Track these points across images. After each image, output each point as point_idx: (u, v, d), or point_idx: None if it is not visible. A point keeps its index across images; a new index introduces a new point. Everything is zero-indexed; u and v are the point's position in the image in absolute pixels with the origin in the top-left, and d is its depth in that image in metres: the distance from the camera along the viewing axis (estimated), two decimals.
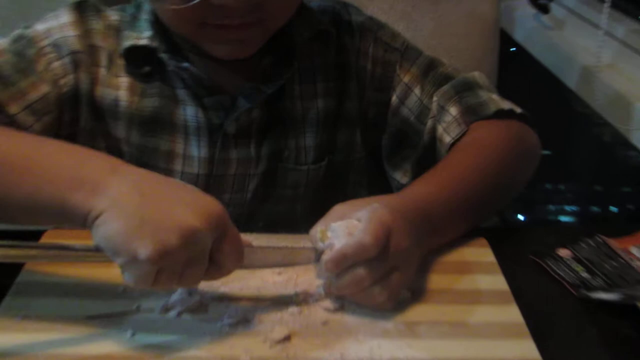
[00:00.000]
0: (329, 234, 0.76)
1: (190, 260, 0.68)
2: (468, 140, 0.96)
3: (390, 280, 0.75)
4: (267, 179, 1.01)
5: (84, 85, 0.95)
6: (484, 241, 0.89)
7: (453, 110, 0.99)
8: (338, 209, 0.79)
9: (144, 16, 0.96)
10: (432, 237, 0.83)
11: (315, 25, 1.02)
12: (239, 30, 0.89)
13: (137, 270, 0.67)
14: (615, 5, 1.50)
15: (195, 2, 0.83)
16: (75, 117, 0.96)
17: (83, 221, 0.68)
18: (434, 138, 1.01)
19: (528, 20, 1.76)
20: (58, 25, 0.95)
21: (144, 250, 0.65)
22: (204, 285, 0.78)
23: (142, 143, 0.97)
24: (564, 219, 2.01)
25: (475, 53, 1.40)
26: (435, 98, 1.01)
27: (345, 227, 0.75)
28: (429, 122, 1.01)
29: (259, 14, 0.88)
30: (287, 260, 0.79)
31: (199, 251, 0.69)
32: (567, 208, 2.04)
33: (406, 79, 1.04)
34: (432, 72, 1.04)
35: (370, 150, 1.08)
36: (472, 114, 0.98)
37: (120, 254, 0.66)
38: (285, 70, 0.98)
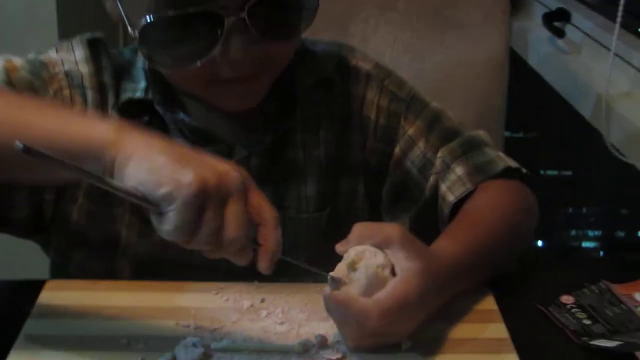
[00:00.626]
0: (360, 265, 0.77)
1: (229, 201, 0.70)
2: (483, 200, 0.97)
3: (369, 340, 0.77)
4: None
5: None
6: (486, 289, 0.90)
7: (459, 170, 1.00)
8: (394, 232, 0.79)
9: (140, 64, 0.97)
10: (451, 294, 0.84)
11: (319, 72, 1.02)
12: (250, 82, 0.89)
13: (181, 206, 0.67)
14: (630, 29, 1.48)
15: (203, 62, 0.84)
16: None
17: (111, 161, 0.70)
18: (435, 194, 1.02)
19: (542, 44, 1.74)
20: (72, 59, 0.97)
21: (188, 176, 0.68)
22: (208, 338, 0.79)
23: None
24: (586, 244, 2.00)
25: (484, 84, 1.40)
26: (440, 154, 1.02)
27: (374, 276, 0.76)
28: (432, 179, 1.02)
29: (267, 62, 0.89)
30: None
31: (235, 190, 0.70)
32: (590, 233, 2.03)
33: (411, 131, 1.04)
34: (437, 126, 1.04)
35: (372, 200, 1.08)
36: (480, 173, 0.99)
37: (164, 184, 0.68)
38: (286, 119, 0.99)
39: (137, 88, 0.95)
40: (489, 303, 0.88)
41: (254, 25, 0.83)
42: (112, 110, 0.96)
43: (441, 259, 0.82)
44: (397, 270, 0.77)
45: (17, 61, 0.94)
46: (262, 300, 0.87)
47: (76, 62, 0.97)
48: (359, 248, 0.78)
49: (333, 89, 1.04)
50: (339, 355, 0.78)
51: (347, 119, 1.05)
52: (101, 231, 0.97)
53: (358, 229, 0.80)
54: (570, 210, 2.05)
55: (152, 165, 0.69)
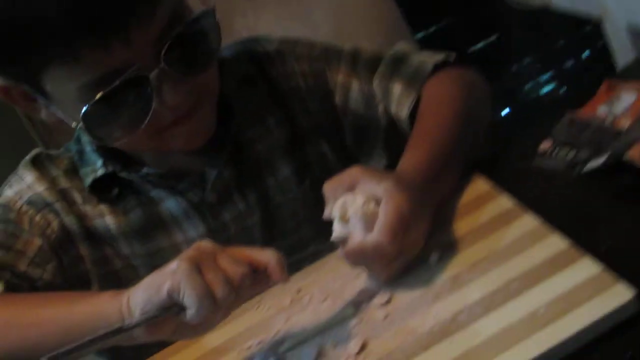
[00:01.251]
0: (349, 215, 0.82)
1: (216, 256, 0.76)
2: (426, 104, 1.02)
3: (395, 264, 0.83)
4: (267, 221, 1.08)
5: (73, 227, 1.02)
6: (471, 176, 0.95)
7: (396, 88, 1.05)
8: (354, 173, 0.85)
9: (88, 147, 1.03)
10: (436, 197, 0.90)
11: (238, 74, 1.07)
12: (197, 111, 0.93)
13: (186, 280, 0.73)
14: None
15: (147, 121, 0.88)
16: (76, 256, 1.03)
17: (119, 312, 0.77)
18: (391, 118, 1.07)
19: None
20: (25, 186, 1.03)
21: (173, 264, 0.75)
22: (273, 347, 0.84)
23: (147, 251, 1.05)
24: (544, 90, 2.06)
25: (382, 27, 1.45)
26: (375, 83, 1.07)
27: (364, 215, 0.81)
28: (379, 107, 1.08)
29: (202, 91, 0.93)
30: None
31: (214, 248, 0.77)
32: (541, 79, 2.09)
33: (340, 78, 1.09)
34: (360, 61, 1.09)
35: (343, 155, 1.13)
36: (415, 80, 1.04)
37: (162, 283, 0.74)
38: (229, 126, 1.03)
39: (96, 168, 1.01)
40: (482, 185, 0.93)
41: (175, 69, 0.88)
42: (82, 206, 1.03)
43: (408, 169, 0.88)
44: (382, 207, 0.81)
45: None
46: (298, 291, 0.92)
47: (30, 187, 1.02)
48: (339, 202, 0.84)
49: (256, 81, 1.09)
50: (386, 297, 0.83)
51: (282, 99, 1.10)
52: None
53: (326, 188, 0.86)
54: (514, 67, 2.11)
55: (144, 287, 0.77)
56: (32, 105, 0.93)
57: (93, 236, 1.04)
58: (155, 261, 1.03)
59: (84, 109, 0.86)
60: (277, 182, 1.08)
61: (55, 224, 1.02)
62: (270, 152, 1.08)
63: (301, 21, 1.45)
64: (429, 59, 1.07)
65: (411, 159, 0.91)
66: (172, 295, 0.74)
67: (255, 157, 1.07)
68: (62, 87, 0.87)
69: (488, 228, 0.85)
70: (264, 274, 0.78)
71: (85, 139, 1.03)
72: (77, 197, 1.03)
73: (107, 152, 1.01)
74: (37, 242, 1.00)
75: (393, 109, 1.06)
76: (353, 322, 0.82)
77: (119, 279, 1.05)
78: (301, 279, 0.93)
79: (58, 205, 1.02)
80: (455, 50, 1.10)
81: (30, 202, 1.02)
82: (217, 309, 0.75)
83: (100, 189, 1.02)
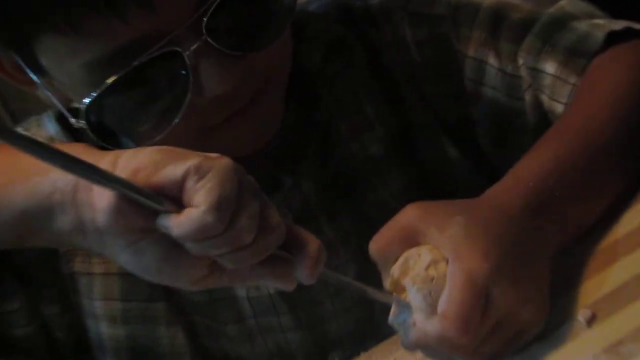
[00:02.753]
0: (407, 289, 0.58)
1: None
2: (580, 93, 0.73)
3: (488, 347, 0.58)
4: (367, 258, 0.76)
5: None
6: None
7: (550, 67, 0.76)
8: (410, 217, 0.60)
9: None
10: (562, 230, 0.63)
11: (326, 38, 0.81)
12: (247, 111, 0.69)
13: (220, 176, 0.49)
14: None
15: (176, 120, 0.64)
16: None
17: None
18: (544, 113, 0.78)
19: None
20: None
21: (211, 151, 0.51)
22: None
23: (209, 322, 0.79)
24: None
25: None
26: (520, 60, 0.78)
27: (425, 286, 0.57)
28: (528, 96, 0.78)
29: (262, 76, 0.69)
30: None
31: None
32: None
33: (471, 51, 0.79)
34: (503, 27, 0.79)
35: (474, 159, 0.84)
36: (577, 56, 0.75)
37: (188, 157, 0.49)
38: (314, 116, 0.78)
39: None
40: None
41: (222, 42, 0.63)
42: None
43: (502, 193, 0.62)
44: (448, 273, 0.57)
45: None
46: None
47: None
48: (398, 263, 0.59)
49: (352, 51, 0.82)
50: None
51: (388, 77, 0.82)
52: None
53: (373, 249, 0.62)
54: None
55: (158, 149, 0.51)
56: (31, 80, 0.69)
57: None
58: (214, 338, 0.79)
59: (88, 99, 0.63)
60: (381, 198, 0.80)
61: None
62: (370, 155, 0.80)
63: None
64: (603, 25, 0.76)
65: (516, 175, 0.65)
66: (187, 176, 0.49)
67: (349, 161, 0.80)
68: (60, 65, 0.64)
69: None
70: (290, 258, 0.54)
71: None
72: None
73: None
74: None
75: (546, 100, 0.77)
76: None
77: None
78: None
79: None
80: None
81: None
82: (218, 249, 0.50)
83: None
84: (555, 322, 0.60)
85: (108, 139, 0.67)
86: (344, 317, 0.79)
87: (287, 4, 0.68)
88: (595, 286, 0.62)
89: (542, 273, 0.59)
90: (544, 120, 0.78)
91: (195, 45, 0.62)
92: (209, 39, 0.62)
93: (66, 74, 0.64)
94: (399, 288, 0.59)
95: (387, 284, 0.60)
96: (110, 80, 0.61)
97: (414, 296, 0.57)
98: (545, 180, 0.62)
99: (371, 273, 0.75)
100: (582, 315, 0.60)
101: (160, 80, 0.63)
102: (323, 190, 0.79)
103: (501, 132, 0.82)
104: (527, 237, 0.59)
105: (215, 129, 0.68)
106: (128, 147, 0.63)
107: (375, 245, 0.61)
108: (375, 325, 0.78)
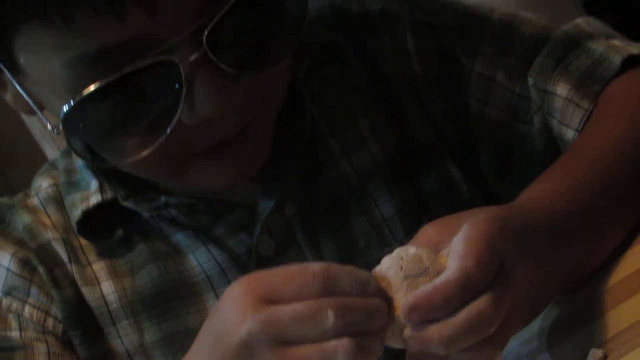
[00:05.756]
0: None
1: None
2: (597, 117, 0.69)
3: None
4: None
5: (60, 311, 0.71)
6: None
7: (561, 89, 0.71)
8: (427, 232, 0.54)
9: (79, 162, 0.72)
10: (575, 251, 0.59)
11: (317, 44, 0.73)
12: (240, 141, 0.63)
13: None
14: None
15: (163, 137, 0.58)
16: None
17: None
18: (552, 139, 0.73)
19: None
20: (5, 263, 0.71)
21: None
22: None
23: (164, 334, 0.72)
24: None
25: None
26: (532, 80, 0.73)
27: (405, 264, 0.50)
28: (536, 119, 0.73)
29: (256, 105, 0.63)
30: None
31: None
32: None
33: (478, 66, 0.74)
34: (513, 43, 0.74)
35: (476, 183, 0.78)
36: (591, 80, 0.70)
37: None
38: (300, 129, 0.71)
39: (90, 193, 0.70)
40: None
41: (221, 57, 0.57)
42: (67, 266, 0.72)
43: (523, 202, 0.58)
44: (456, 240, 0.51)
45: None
46: None
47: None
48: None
49: (345, 58, 0.75)
50: None
51: (385, 90, 0.75)
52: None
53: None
54: None
55: None
56: None
57: (80, 323, 0.71)
58: (177, 348, 0.71)
59: (66, 105, 0.57)
60: (372, 225, 0.73)
61: (54, 307, 0.70)
62: (362, 175, 0.74)
63: None
64: (620, 48, 0.71)
65: (535, 191, 0.61)
66: None
67: (338, 180, 0.73)
68: (41, 62, 0.58)
69: None
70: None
71: None
72: (61, 253, 0.72)
73: (107, 170, 0.70)
74: (41, 347, 0.69)
75: (555, 125, 0.72)
76: None
77: None
78: None
79: (40, 277, 0.71)
80: None
81: (7, 292, 0.70)
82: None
83: (94, 229, 0.71)
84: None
85: (79, 151, 0.62)
86: None
87: (295, 23, 0.62)
88: (606, 325, 0.59)
89: (553, 281, 0.56)
90: (553, 146, 0.73)
91: (193, 57, 0.56)
92: (208, 52, 0.56)
93: (46, 73, 0.58)
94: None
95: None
96: (95, 85, 0.56)
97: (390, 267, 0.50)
98: (560, 202, 0.59)
99: None
100: (593, 355, 0.57)
101: (149, 92, 0.57)
102: (308, 215, 0.73)
103: (506, 156, 0.77)
104: (543, 245, 0.55)
105: (197, 157, 0.63)
106: (101, 162, 0.63)
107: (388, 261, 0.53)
108: None
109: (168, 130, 0.58)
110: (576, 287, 0.62)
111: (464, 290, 0.48)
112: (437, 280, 0.49)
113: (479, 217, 0.52)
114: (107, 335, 0.72)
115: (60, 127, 0.58)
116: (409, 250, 0.51)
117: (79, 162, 0.72)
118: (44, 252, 0.72)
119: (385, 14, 0.76)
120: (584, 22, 0.75)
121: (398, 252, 0.51)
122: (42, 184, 0.75)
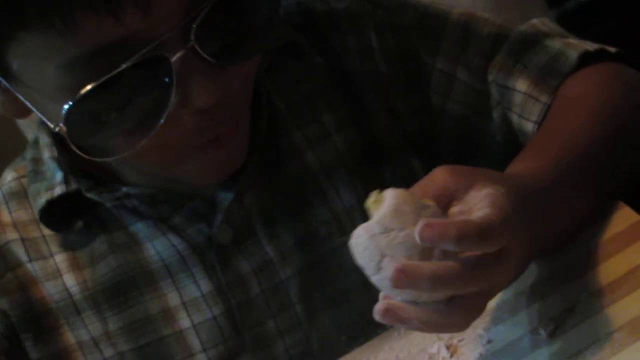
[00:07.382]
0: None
1: None
2: (564, 105, 0.71)
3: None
4: (311, 276, 0.75)
5: (15, 309, 0.73)
6: (621, 206, 0.65)
7: (521, 84, 0.73)
8: (444, 177, 0.56)
9: (46, 153, 0.74)
10: (555, 223, 0.61)
11: (280, 40, 0.75)
12: (235, 135, 0.66)
13: None
14: None
15: (155, 129, 0.60)
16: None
17: None
18: (512, 132, 0.76)
19: None
20: None
21: None
22: None
23: (126, 322, 0.74)
24: None
25: None
26: (491, 77, 0.75)
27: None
28: (496, 114, 0.76)
29: (237, 96, 0.65)
30: None
31: None
32: None
33: (440, 63, 0.77)
34: (473, 39, 0.77)
35: None
36: (550, 75, 0.73)
37: None
38: (260, 124, 0.73)
39: (54, 184, 0.72)
40: (627, 216, 0.64)
41: (208, 51, 0.60)
42: (29, 265, 0.74)
43: (521, 172, 0.60)
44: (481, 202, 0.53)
45: None
46: None
47: None
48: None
49: (307, 57, 0.77)
50: None
51: (350, 85, 0.78)
52: None
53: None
54: None
55: None
56: None
57: (33, 324, 0.73)
58: (138, 337, 0.73)
59: (66, 105, 0.58)
60: (333, 213, 0.75)
61: None
62: (326, 167, 0.76)
63: None
64: (576, 45, 0.74)
65: (527, 164, 0.63)
66: None
67: (300, 171, 0.75)
68: (35, 67, 0.59)
69: (632, 284, 0.58)
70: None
71: (45, 140, 0.74)
72: (20, 253, 0.74)
73: (71, 162, 0.72)
74: None
75: (515, 118, 0.74)
76: None
77: None
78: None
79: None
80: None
81: None
82: None
83: (56, 219, 0.73)
84: (517, 335, 0.59)
85: (83, 147, 0.63)
86: (290, 336, 0.75)
87: (271, 17, 0.65)
88: (557, 300, 0.60)
89: (533, 249, 0.58)
90: (512, 139, 0.76)
91: (181, 52, 0.59)
92: (196, 46, 0.59)
93: (40, 77, 0.60)
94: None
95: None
96: (93, 84, 0.57)
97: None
98: (548, 174, 0.61)
99: (315, 290, 0.75)
100: (543, 327, 0.59)
101: (143, 86, 0.60)
102: (267, 205, 0.75)
103: (467, 149, 0.79)
104: (535, 209, 0.57)
105: (191, 150, 0.65)
106: (106, 155, 0.65)
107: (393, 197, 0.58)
108: (323, 344, 0.76)
109: (161, 120, 0.60)
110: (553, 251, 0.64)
111: (480, 235, 0.50)
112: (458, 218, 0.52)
113: (498, 186, 0.54)
114: (72, 325, 0.74)
115: (62, 125, 0.60)
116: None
117: (45, 154, 0.74)
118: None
119: (350, 13, 0.78)
120: (539, 23, 0.78)
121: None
122: (7, 178, 0.77)
